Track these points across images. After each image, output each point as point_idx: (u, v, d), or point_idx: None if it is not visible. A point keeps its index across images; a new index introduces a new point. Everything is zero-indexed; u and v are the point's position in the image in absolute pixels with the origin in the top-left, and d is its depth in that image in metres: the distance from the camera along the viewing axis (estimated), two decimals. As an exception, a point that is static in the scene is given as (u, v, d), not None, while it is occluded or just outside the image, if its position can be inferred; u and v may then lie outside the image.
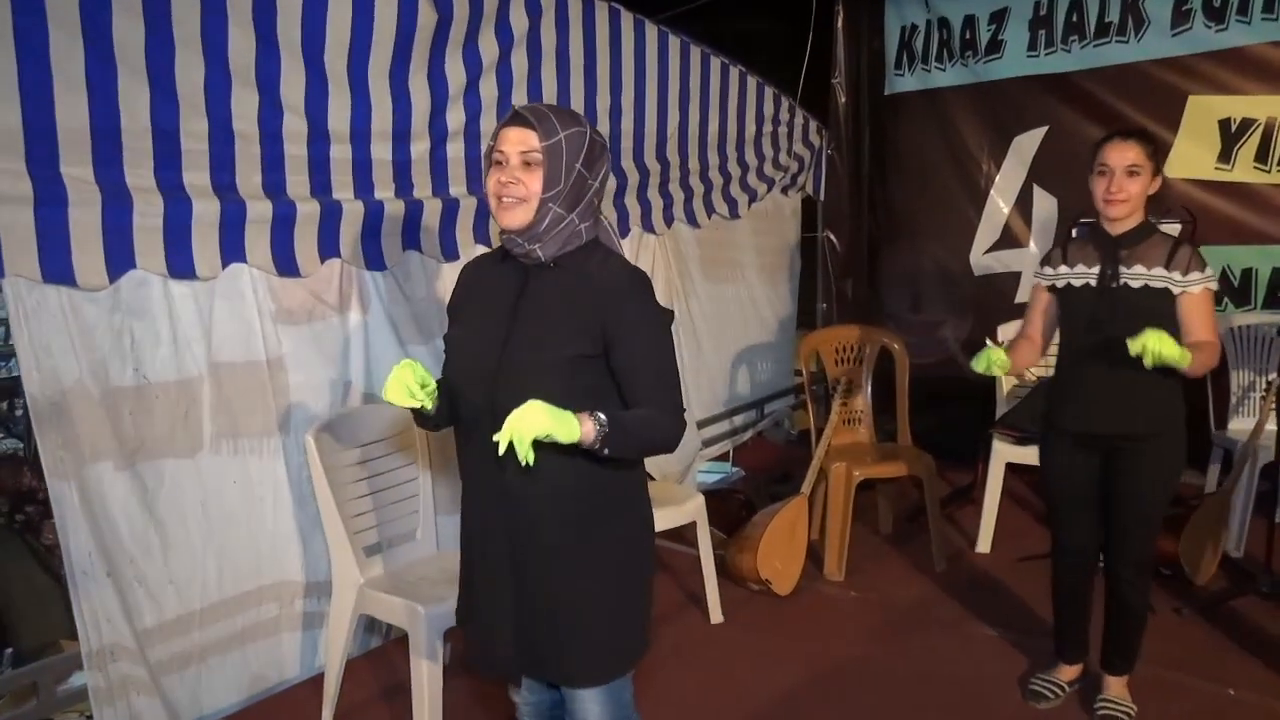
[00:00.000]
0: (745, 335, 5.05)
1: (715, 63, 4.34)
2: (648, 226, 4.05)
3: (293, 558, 2.89)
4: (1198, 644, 3.11)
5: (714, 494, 3.77)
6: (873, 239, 5.61)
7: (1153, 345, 2.19)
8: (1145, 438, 2.48)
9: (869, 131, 5.48)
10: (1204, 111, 4.28)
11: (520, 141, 1.65)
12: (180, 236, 2.48)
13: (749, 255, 5.00)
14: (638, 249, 4.05)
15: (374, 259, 2.97)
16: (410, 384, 1.69)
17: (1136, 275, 2.44)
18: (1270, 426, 3.73)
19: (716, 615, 3.30)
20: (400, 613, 2.43)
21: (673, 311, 1.77)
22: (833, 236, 5.55)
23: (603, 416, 1.57)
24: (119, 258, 2.37)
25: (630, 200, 3.94)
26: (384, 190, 3.00)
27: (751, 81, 4.63)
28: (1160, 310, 2.41)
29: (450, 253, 3.21)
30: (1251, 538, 3.76)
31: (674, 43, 4.06)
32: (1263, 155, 4.18)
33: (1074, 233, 4.01)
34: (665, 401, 1.68)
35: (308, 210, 2.75)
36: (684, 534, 3.39)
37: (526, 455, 1.48)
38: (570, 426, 1.52)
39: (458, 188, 3.23)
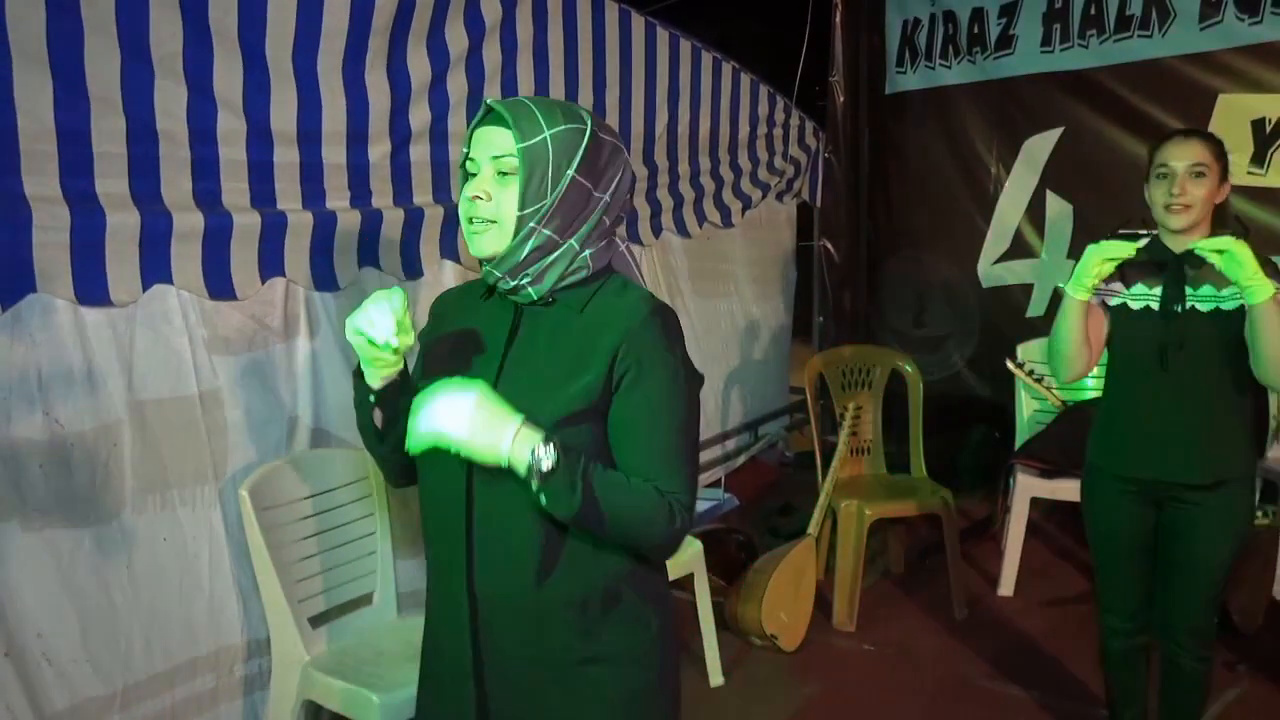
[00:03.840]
0: (738, 353, 4.78)
1: (707, 58, 4.06)
2: (634, 237, 3.76)
3: (232, 619, 2.54)
4: (1259, 707, 2.84)
5: (710, 536, 3.46)
6: (872, 248, 5.36)
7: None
8: (1211, 487, 2.18)
9: (868, 133, 5.23)
10: (1236, 111, 4.03)
11: (492, 144, 1.29)
12: (91, 254, 2.15)
13: (742, 266, 4.73)
14: (623, 262, 3.75)
15: (325, 278, 2.65)
16: (395, 313, 1.27)
17: (1206, 298, 2.14)
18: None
19: (716, 677, 3.00)
20: (349, 701, 2.10)
21: (702, 376, 1.40)
22: (830, 246, 5.28)
23: (553, 449, 1.21)
24: (14, 279, 2.04)
25: (615, 209, 3.64)
26: (337, 199, 2.68)
27: (745, 79, 4.35)
28: (1239, 337, 2.11)
29: (413, 270, 2.89)
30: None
31: (662, 36, 3.77)
32: (1300, 158, 3.94)
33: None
34: (665, 482, 1.29)
35: (246, 223, 2.43)
36: (679, 582, 3.08)
37: (414, 446, 1.22)
38: (493, 436, 1.20)
39: (422, 196, 2.92)
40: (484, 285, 1.40)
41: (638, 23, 3.64)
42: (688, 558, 2.92)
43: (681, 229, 4.04)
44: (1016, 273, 4.84)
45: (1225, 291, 2.13)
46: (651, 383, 1.30)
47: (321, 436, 2.68)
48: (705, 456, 4.42)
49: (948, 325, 5.07)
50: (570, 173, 1.30)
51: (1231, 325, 2.12)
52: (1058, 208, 4.66)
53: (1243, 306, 2.10)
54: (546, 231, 1.30)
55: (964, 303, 5.00)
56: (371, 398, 1.40)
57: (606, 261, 1.38)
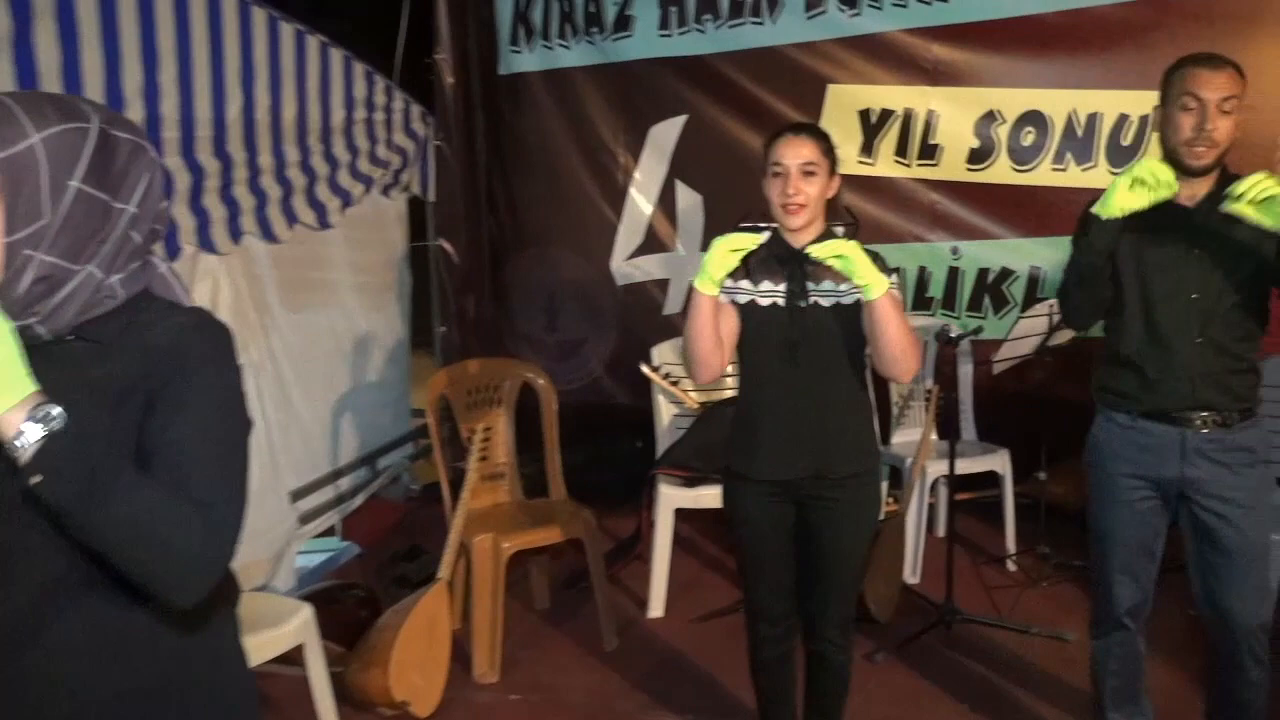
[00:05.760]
0: (347, 376, 4.70)
1: (286, 30, 3.94)
2: (206, 244, 3.56)
3: None
4: (898, 693, 3.29)
5: (322, 595, 3.37)
6: (496, 246, 5.51)
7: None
8: (843, 479, 2.50)
9: (484, 118, 5.37)
10: (844, 101, 4.63)
11: None
12: None
13: (344, 273, 4.67)
14: (194, 275, 3.55)
15: None
16: None
17: (827, 292, 2.45)
18: (934, 437, 4.08)
19: (339, 761, 2.93)
20: None
21: (251, 420, 1.36)
22: (448, 245, 5.35)
23: (57, 414, 1.12)
24: None
25: (180, 210, 3.43)
26: None
27: (336, 56, 4.28)
28: (858, 330, 2.43)
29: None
30: (925, 559, 4.10)
31: (229, 3, 3.61)
32: (902, 148, 4.61)
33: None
34: (205, 503, 1.23)
35: None
36: (288, 655, 2.97)
37: None
38: None
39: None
40: None
41: (194, -16, 3.45)
42: (295, 626, 2.82)
43: (267, 232, 3.89)
44: (651, 268, 5.20)
45: (843, 286, 2.45)
46: (193, 404, 1.25)
47: None
48: (314, 501, 4.30)
49: (582, 328, 5.33)
50: (74, 184, 1.20)
51: (851, 318, 2.45)
52: (688, 198, 5.08)
53: (859, 301, 2.44)
54: (50, 259, 1.19)
55: (598, 302, 5.28)
56: None
57: (142, 286, 1.31)
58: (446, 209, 5.32)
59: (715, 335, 2.43)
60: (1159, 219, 2.35)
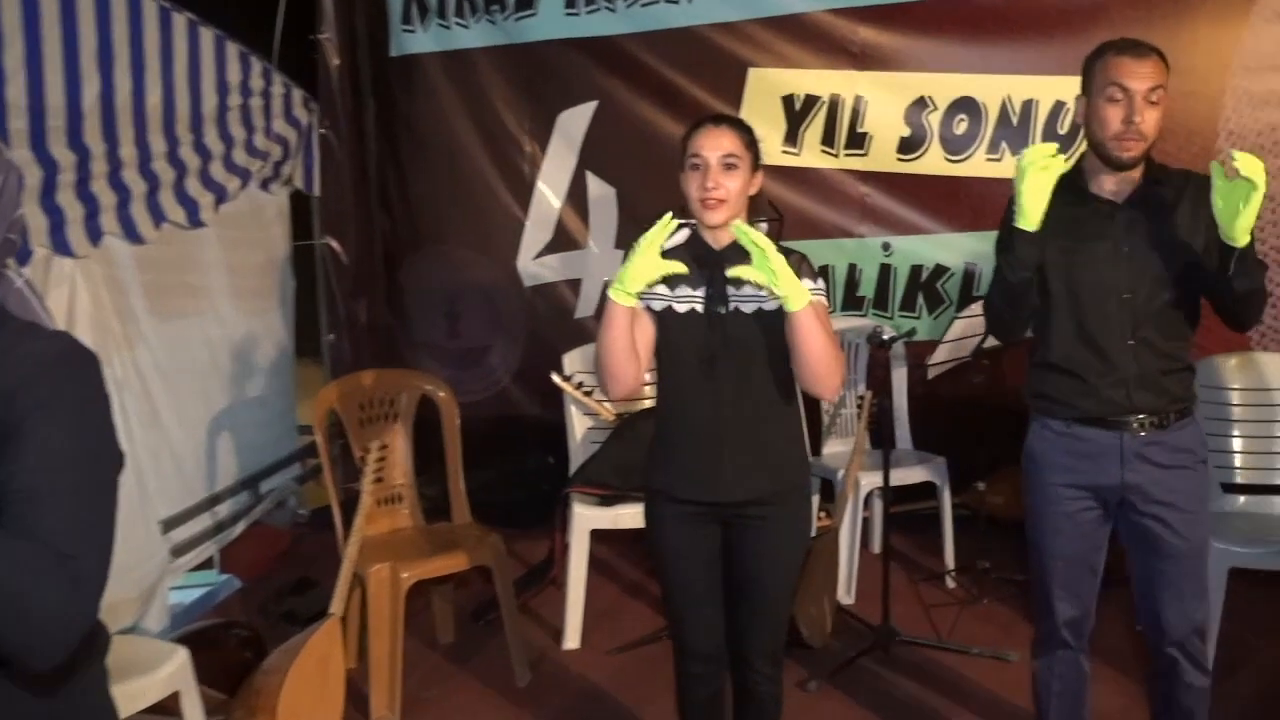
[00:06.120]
0: (223, 390, 4.64)
1: (149, 7, 3.89)
2: (61, 246, 3.47)
3: None
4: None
5: (199, 637, 3.32)
6: (390, 245, 5.49)
7: None
8: (772, 500, 2.53)
9: (374, 104, 5.36)
10: (766, 86, 4.71)
11: None
12: None
13: (220, 277, 4.62)
14: (47, 281, 3.46)
15: None
16: None
17: (748, 298, 2.47)
18: (867, 447, 4.17)
19: (222, 820, 2.89)
20: None
21: (122, 455, 1.37)
22: (336, 244, 5.31)
23: None
24: None
25: (31, 208, 3.35)
26: None
27: (206, 35, 4.24)
28: (783, 337, 2.43)
29: None
30: (860, 577, 4.18)
31: (82, -24, 3.55)
32: (829, 137, 4.71)
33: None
34: (65, 555, 1.21)
35: None
36: (162, 705, 2.92)
37: None
38: None
39: None
40: None
41: (44, -43, 3.39)
42: (169, 672, 2.78)
43: (131, 232, 3.82)
44: (561, 268, 5.22)
45: (766, 290, 2.47)
46: (46, 430, 1.24)
47: None
48: (189, 531, 4.24)
49: (487, 334, 5.34)
50: None
51: (776, 325, 2.46)
52: (600, 191, 5.11)
53: (783, 306, 2.47)
54: None
55: (504, 306, 5.30)
56: None
57: None
58: (333, 204, 5.28)
59: (630, 347, 2.45)
60: (1086, 216, 2.44)
